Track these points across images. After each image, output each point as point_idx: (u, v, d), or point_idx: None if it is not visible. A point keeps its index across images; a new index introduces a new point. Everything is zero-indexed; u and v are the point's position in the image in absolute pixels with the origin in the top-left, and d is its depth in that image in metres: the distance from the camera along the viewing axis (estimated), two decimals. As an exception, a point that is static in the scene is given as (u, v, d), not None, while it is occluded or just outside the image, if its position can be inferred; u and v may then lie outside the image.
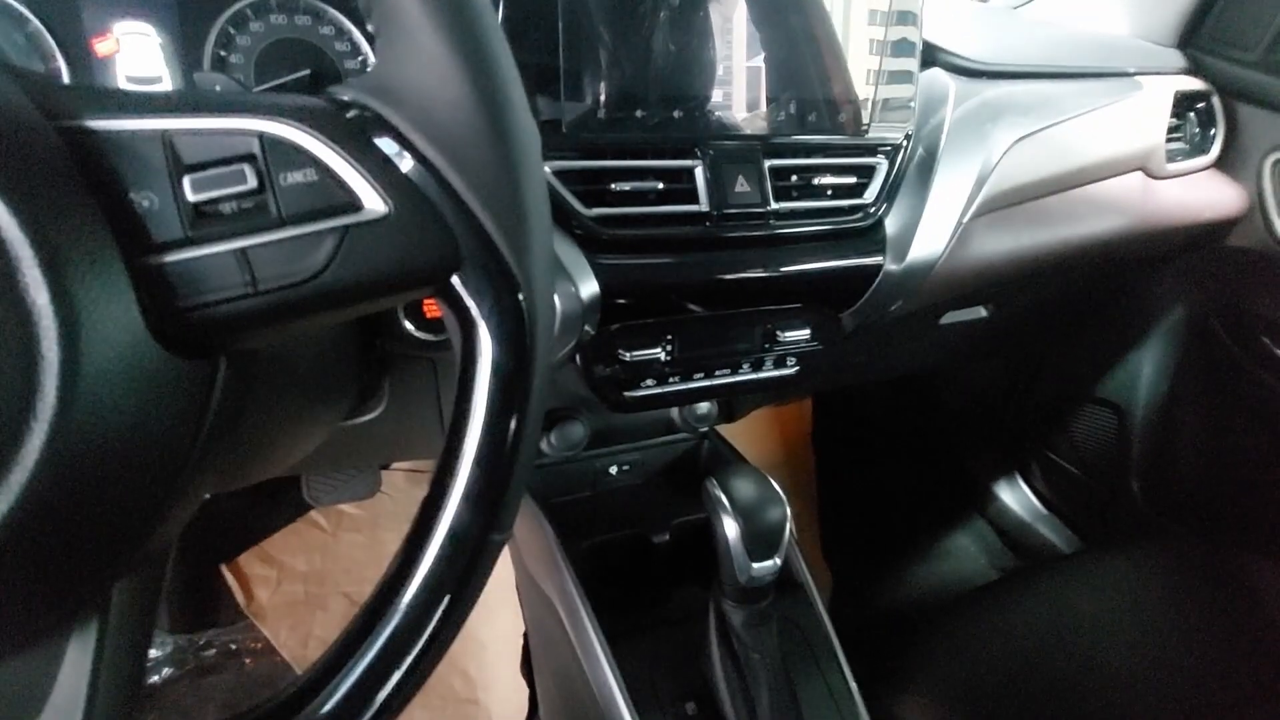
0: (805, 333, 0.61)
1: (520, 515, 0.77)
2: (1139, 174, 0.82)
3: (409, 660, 0.26)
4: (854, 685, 0.62)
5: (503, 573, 0.86)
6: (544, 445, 0.71)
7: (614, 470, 0.78)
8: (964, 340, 0.97)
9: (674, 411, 0.76)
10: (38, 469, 0.20)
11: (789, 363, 0.63)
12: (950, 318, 0.87)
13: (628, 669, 0.58)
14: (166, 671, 1.00)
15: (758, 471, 0.55)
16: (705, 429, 0.79)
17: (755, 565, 0.51)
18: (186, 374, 0.24)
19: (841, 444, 1.29)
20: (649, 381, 0.57)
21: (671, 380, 0.58)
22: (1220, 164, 0.88)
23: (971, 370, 1.22)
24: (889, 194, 0.60)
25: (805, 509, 1.25)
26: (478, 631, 1.03)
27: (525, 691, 0.99)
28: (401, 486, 1.14)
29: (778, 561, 0.52)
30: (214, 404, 0.25)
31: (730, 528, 0.52)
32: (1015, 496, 1.26)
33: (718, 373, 0.60)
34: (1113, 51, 0.84)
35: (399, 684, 0.26)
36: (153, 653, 1.00)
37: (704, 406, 0.76)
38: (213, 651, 1.02)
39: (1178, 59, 0.87)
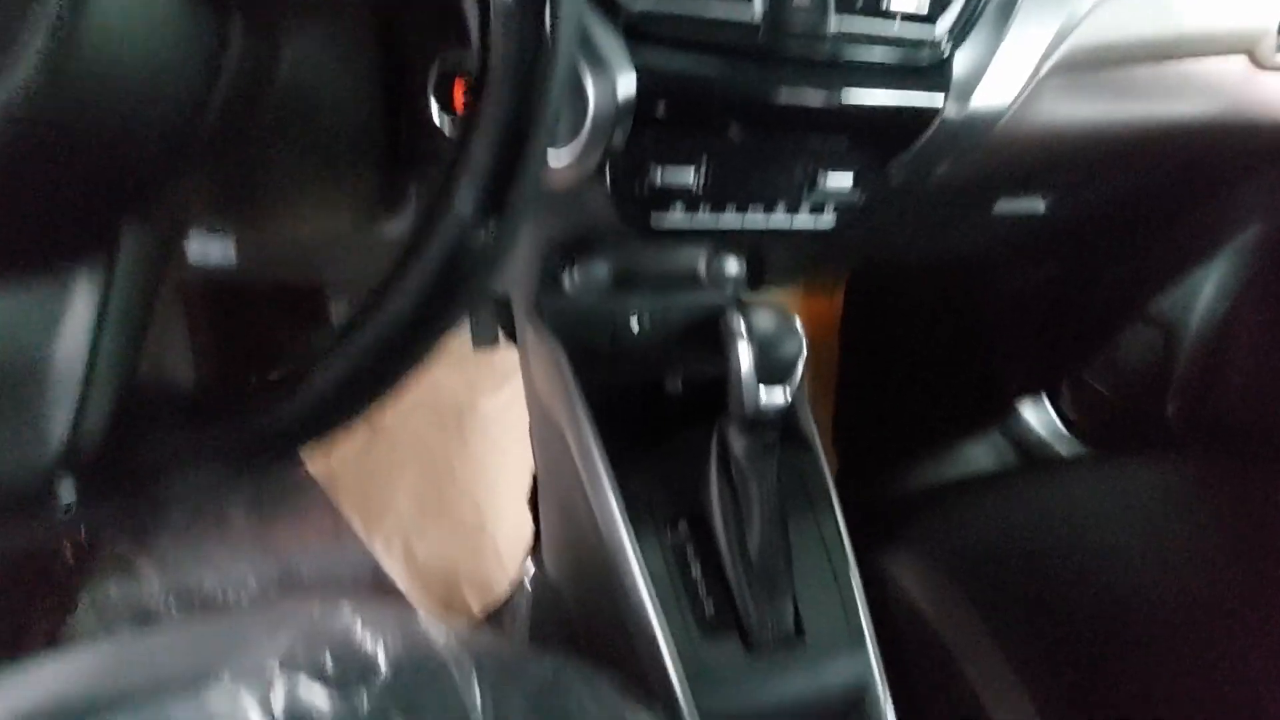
0: (848, 178, 0.58)
1: (536, 349, 0.77)
2: (1243, 58, 0.74)
3: (396, 353, 0.27)
4: (846, 536, 0.63)
5: (516, 416, 0.89)
6: (565, 283, 0.70)
7: (634, 325, 0.77)
8: (1016, 235, 0.92)
9: (700, 266, 0.75)
10: (35, 70, 0.20)
11: (826, 210, 0.60)
12: (1004, 206, 0.82)
13: (628, 489, 0.60)
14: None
15: (781, 306, 0.54)
16: (731, 292, 0.77)
17: (764, 392, 0.51)
18: (198, 18, 0.23)
19: (868, 342, 1.27)
20: (678, 205, 0.55)
21: (702, 209, 0.56)
22: (1338, 63, 0.80)
23: (1017, 278, 1.17)
24: (963, 30, 0.56)
25: (824, 401, 1.25)
26: (490, 466, 1.07)
27: (530, 525, 1.04)
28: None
29: (788, 393, 0.52)
30: (225, 66, 0.24)
31: (744, 354, 0.51)
32: (1039, 416, 1.23)
33: (750, 208, 0.58)
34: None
35: (389, 367, 0.26)
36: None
37: (733, 267, 0.74)
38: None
39: (1314, -67, 0.77)
